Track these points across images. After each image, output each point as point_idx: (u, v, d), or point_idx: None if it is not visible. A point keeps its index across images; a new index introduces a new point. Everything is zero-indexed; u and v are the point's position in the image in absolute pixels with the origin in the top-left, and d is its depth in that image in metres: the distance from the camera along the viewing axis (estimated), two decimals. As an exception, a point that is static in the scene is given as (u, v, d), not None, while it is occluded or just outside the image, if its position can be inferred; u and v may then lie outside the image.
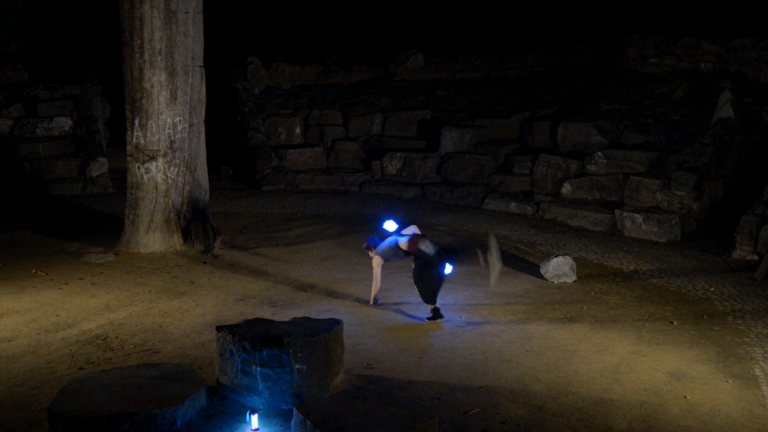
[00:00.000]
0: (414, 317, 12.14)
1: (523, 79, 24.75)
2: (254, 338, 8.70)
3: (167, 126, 14.94)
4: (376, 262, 12.33)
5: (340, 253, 15.53)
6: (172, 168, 15.07)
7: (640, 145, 19.87)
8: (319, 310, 12.17)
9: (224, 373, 8.94)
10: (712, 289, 13.89)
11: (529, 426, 8.69)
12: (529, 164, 20.62)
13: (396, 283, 13.62)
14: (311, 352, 8.75)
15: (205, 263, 14.69)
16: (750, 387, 9.90)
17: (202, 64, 15.29)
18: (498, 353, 10.68)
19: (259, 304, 12.50)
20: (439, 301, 12.43)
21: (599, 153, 19.60)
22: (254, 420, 8.20)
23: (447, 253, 12.07)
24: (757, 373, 10.33)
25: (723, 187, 18.39)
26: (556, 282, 14.01)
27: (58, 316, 11.78)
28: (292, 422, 7.92)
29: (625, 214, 17.74)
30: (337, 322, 9.42)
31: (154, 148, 14.96)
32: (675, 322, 12.15)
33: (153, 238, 15.17)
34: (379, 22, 28.93)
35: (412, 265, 12.18)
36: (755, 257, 15.48)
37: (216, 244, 15.49)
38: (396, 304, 12.70)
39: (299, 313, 11.52)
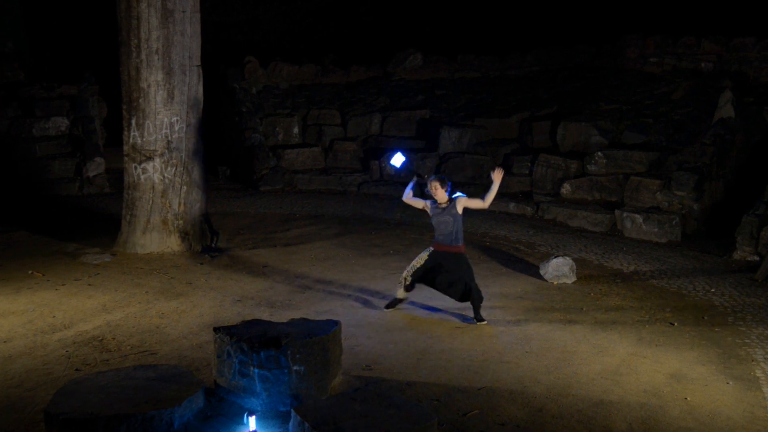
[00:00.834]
0: (418, 307, 12.13)
1: (523, 78, 24.73)
2: (252, 339, 8.65)
3: (164, 126, 14.90)
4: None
5: (339, 253, 15.49)
6: (169, 168, 15.03)
7: (640, 145, 19.85)
8: (317, 311, 12.12)
9: (222, 374, 8.89)
10: (712, 290, 13.84)
11: (528, 428, 8.64)
12: (529, 164, 20.59)
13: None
14: (309, 354, 8.71)
15: (202, 264, 14.65)
16: (751, 388, 9.85)
17: (199, 63, 15.25)
18: (497, 354, 10.64)
19: (256, 305, 12.45)
20: (439, 302, 12.53)
21: (599, 153, 19.56)
22: (252, 422, 8.14)
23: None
24: (758, 375, 10.27)
25: (724, 187, 18.36)
26: (555, 283, 13.95)
27: (54, 317, 11.74)
28: (290, 424, 7.88)
29: (625, 214, 17.69)
30: (336, 323, 9.35)
31: (151, 148, 14.92)
32: (675, 324, 12.09)
33: (150, 239, 15.13)
34: (378, 22, 28.91)
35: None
36: (756, 258, 15.43)
37: (213, 245, 15.45)
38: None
39: (297, 314, 11.46)
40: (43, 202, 19.77)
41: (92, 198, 20.49)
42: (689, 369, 10.37)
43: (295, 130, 23.65)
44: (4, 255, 14.99)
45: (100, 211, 18.96)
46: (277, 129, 23.47)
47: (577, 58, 24.74)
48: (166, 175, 15.02)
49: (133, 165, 15.05)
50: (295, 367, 8.61)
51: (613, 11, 26.04)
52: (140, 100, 14.80)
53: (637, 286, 14.03)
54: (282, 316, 11.39)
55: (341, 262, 14.91)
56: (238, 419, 8.37)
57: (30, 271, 13.88)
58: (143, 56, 14.65)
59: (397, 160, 12.77)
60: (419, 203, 12.19)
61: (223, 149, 23.84)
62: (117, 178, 19.34)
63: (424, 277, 12.09)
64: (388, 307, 12.37)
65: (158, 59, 14.68)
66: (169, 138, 14.96)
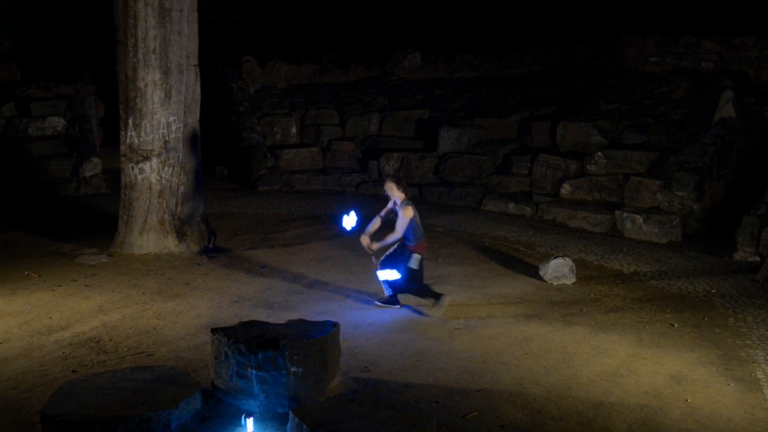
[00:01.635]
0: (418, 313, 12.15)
1: (522, 78, 24.71)
2: (249, 341, 8.65)
3: (161, 126, 14.85)
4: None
5: (337, 254, 15.45)
6: (166, 168, 14.98)
7: (640, 145, 19.83)
8: (316, 312, 12.09)
9: (219, 376, 8.90)
10: (713, 290, 13.83)
11: (527, 429, 8.63)
12: (528, 164, 20.55)
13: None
14: (307, 355, 8.70)
15: (199, 265, 14.61)
16: (752, 390, 9.85)
17: (196, 62, 15.22)
18: (496, 356, 10.63)
19: (254, 306, 12.43)
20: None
21: (599, 153, 19.54)
22: (250, 423, 8.16)
23: None
24: (759, 376, 10.27)
25: (724, 187, 18.34)
26: (555, 284, 13.93)
27: (50, 318, 11.71)
28: (288, 426, 7.89)
29: (625, 214, 17.66)
30: (334, 325, 9.35)
31: (148, 148, 14.87)
32: (676, 325, 12.08)
33: (147, 239, 15.08)
34: (376, 21, 28.89)
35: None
36: (757, 259, 15.41)
37: (211, 246, 15.42)
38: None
39: (295, 316, 11.38)
40: (39, 203, 19.71)
41: (89, 198, 20.43)
42: (690, 370, 10.36)
43: (293, 130, 23.60)
44: (0, 256, 14.94)
45: (96, 211, 18.90)
46: (275, 129, 23.42)
47: (577, 57, 24.73)
48: (163, 175, 14.97)
49: (130, 165, 15.01)
50: (293, 369, 8.61)
51: (613, 10, 26.03)
52: (137, 100, 14.77)
53: (637, 287, 14.02)
54: (280, 317, 11.33)
55: (339, 263, 14.87)
56: (235, 421, 8.36)
57: (26, 272, 13.84)
58: (140, 55, 14.60)
59: (349, 222, 12.87)
60: (406, 220, 12.34)
61: (220, 149, 23.81)
62: (114, 178, 19.33)
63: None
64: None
65: (155, 59, 14.63)
66: (167, 138, 14.91)
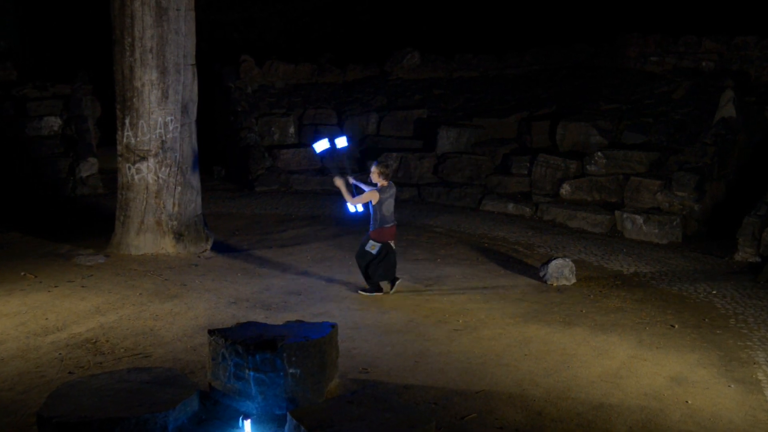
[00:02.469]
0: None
1: (521, 77, 24.66)
2: (247, 342, 8.63)
3: (158, 125, 14.82)
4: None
5: (335, 255, 15.42)
6: (163, 168, 14.94)
7: (640, 145, 19.80)
8: (314, 313, 12.08)
9: (216, 377, 8.86)
10: (713, 291, 13.81)
11: (527, 431, 8.62)
12: (528, 164, 20.50)
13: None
14: (305, 356, 8.68)
15: (197, 265, 14.59)
16: (753, 391, 9.84)
17: (194, 62, 15.18)
18: (496, 357, 10.62)
19: (252, 307, 12.42)
20: (438, 305, 12.61)
21: (599, 153, 19.50)
22: (247, 425, 8.16)
23: None
24: (759, 378, 10.26)
25: (725, 187, 18.31)
26: (555, 284, 13.90)
27: (47, 319, 11.69)
28: (286, 427, 7.87)
29: (625, 215, 17.63)
30: (332, 326, 9.32)
31: (145, 148, 14.84)
32: (676, 326, 12.06)
33: (144, 240, 15.06)
34: (375, 21, 28.86)
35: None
36: (758, 259, 15.40)
37: (208, 246, 15.38)
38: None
39: (293, 317, 11.40)
40: (35, 203, 19.67)
41: (86, 198, 20.39)
42: (690, 372, 10.36)
43: (291, 129, 23.55)
44: (-4, 256, 14.95)
45: (93, 211, 18.87)
46: (273, 129, 23.37)
47: (577, 57, 24.67)
48: (160, 175, 14.94)
49: (127, 165, 14.98)
50: (291, 370, 8.59)
51: (613, 10, 25.98)
52: (134, 100, 14.74)
53: (638, 287, 14.00)
54: (278, 318, 11.36)
55: (338, 264, 14.85)
56: (233, 423, 8.36)
57: (22, 273, 13.83)
58: (137, 55, 14.58)
59: (320, 146, 13.54)
60: (365, 198, 12.99)
61: (218, 149, 23.76)
62: (110, 178, 19.23)
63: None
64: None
65: (152, 58, 14.60)
66: (164, 138, 14.88)
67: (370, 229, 12.97)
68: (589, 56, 24.50)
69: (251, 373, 8.56)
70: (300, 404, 8.52)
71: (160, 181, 14.96)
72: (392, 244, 13.11)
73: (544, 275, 14.04)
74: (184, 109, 15.08)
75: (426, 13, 28.69)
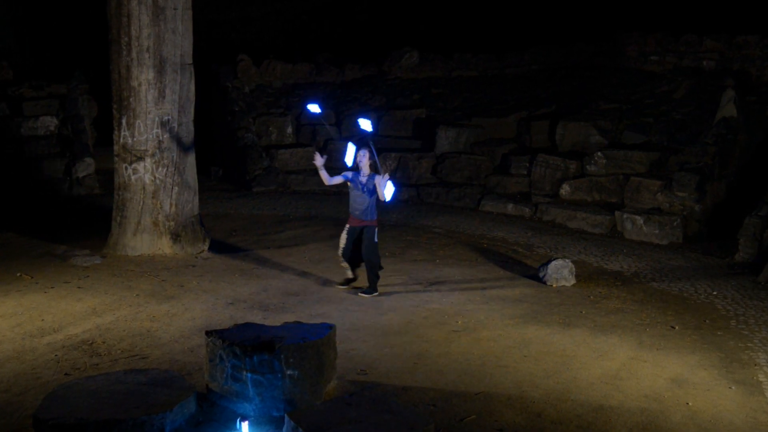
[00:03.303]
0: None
1: (520, 77, 24.64)
2: (245, 343, 8.64)
3: (155, 125, 14.79)
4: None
5: (334, 255, 15.32)
6: (160, 168, 14.91)
7: (640, 145, 19.77)
8: (312, 314, 12.03)
9: (214, 379, 8.88)
10: (714, 292, 13.79)
11: (527, 434, 8.60)
12: (527, 164, 20.47)
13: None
14: (303, 358, 8.70)
15: (194, 266, 14.54)
16: (754, 393, 9.82)
17: (191, 61, 15.15)
18: (495, 359, 10.59)
19: (249, 308, 12.38)
20: (437, 306, 12.58)
21: (599, 153, 19.47)
22: (245, 427, 8.17)
23: None
24: (761, 379, 10.24)
25: (726, 187, 18.30)
26: (554, 285, 13.87)
27: (43, 320, 11.66)
28: (284, 429, 7.89)
29: (625, 215, 17.61)
30: (330, 327, 9.36)
31: (142, 148, 14.81)
32: (676, 327, 12.04)
33: (141, 241, 15.02)
34: (373, 20, 28.85)
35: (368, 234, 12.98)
36: (759, 260, 15.31)
37: (205, 247, 15.34)
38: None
39: (291, 318, 11.40)
40: (31, 203, 19.64)
41: (82, 199, 20.37)
42: (691, 373, 10.33)
43: (289, 129, 23.52)
44: (-8, 257, 14.93)
45: (89, 212, 18.86)
46: (271, 128, 23.34)
47: (576, 56, 24.66)
48: (157, 175, 14.91)
49: (124, 165, 14.95)
50: (288, 372, 8.61)
51: (613, 8, 25.93)
52: (131, 99, 14.71)
53: (638, 288, 13.98)
54: (275, 320, 11.35)
55: (336, 265, 14.75)
56: (230, 425, 8.36)
57: (18, 274, 13.79)
58: (134, 54, 14.55)
59: (314, 108, 13.62)
60: (339, 180, 13.24)
61: (215, 149, 23.75)
62: (107, 178, 19.30)
63: (352, 256, 13.10)
64: (341, 285, 13.38)
65: (149, 57, 14.58)
66: (161, 138, 14.85)
67: (373, 218, 12.94)
68: (589, 56, 24.48)
69: (249, 375, 8.57)
70: (298, 406, 8.52)
71: (157, 181, 14.92)
72: None
73: (544, 276, 14.00)
74: (182, 109, 15.04)
75: (424, 12, 28.68)
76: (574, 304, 12.98)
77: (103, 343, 10.84)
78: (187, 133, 15.22)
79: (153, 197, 14.94)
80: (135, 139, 14.79)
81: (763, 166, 18.28)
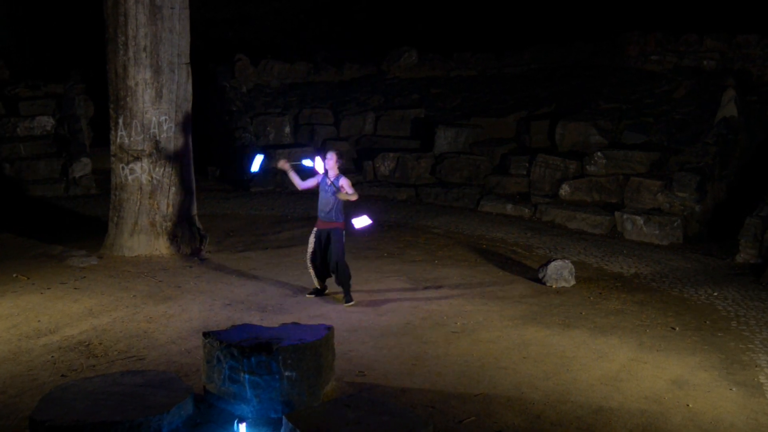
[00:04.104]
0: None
1: (520, 76, 24.59)
2: (242, 345, 8.66)
3: (152, 125, 14.81)
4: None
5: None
6: (157, 168, 14.92)
7: (640, 145, 19.72)
8: (310, 315, 12.01)
9: (211, 380, 8.89)
10: (715, 293, 13.75)
11: (526, 435, 8.60)
12: (527, 165, 20.41)
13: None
14: (301, 359, 8.70)
15: (191, 267, 14.54)
16: (754, 395, 9.80)
17: (188, 61, 15.16)
18: (494, 360, 10.58)
19: (247, 309, 12.37)
20: (436, 307, 12.56)
21: (599, 153, 19.41)
22: (242, 429, 8.24)
23: None
24: (761, 381, 10.22)
25: (726, 188, 18.28)
26: (554, 286, 13.82)
27: (39, 321, 11.66)
28: (281, 431, 7.88)
29: (625, 216, 17.57)
30: (328, 328, 9.38)
31: (139, 148, 14.82)
32: (677, 328, 12.00)
33: (138, 241, 15.02)
34: (371, 19, 28.81)
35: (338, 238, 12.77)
36: (760, 261, 15.33)
37: (203, 247, 15.33)
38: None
39: (289, 319, 11.31)
40: (27, 204, 19.66)
41: (78, 199, 20.32)
42: (691, 375, 10.32)
43: (287, 129, 23.46)
44: (-12, 257, 14.90)
45: (86, 212, 18.84)
46: (268, 128, 23.29)
47: (576, 55, 24.58)
48: (154, 175, 14.92)
49: (121, 165, 14.96)
50: (286, 373, 8.62)
51: (613, 7, 25.88)
52: (128, 99, 14.72)
53: (638, 289, 13.95)
54: (273, 321, 11.32)
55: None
56: (228, 426, 8.39)
57: (15, 274, 13.78)
58: (131, 54, 14.56)
59: (255, 164, 13.35)
60: (312, 182, 12.91)
61: (212, 149, 23.64)
62: (104, 178, 19.29)
63: (321, 260, 12.84)
64: (310, 294, 13.01)
65: (146, 57, 14.59)
66: (158, 138, 14.87)
67: (339, 220, 12.73)
68: (589, 55, 24.41)
69: (246, 376, 8.58)
70: (296, 407, 8.54)
71: (154, 181, 14.93)
72: None
73: (543, 277, 13.96)
74: (178, 109, 15.05)
75: (423, 11, 28.62)
76: (573, 305, 12.94)
77: (100, 344, 10.83)
78: (184, 133, 15.20)
79: (150, 197, 14.94)
80: (132, 139, 14.80)
81: (764, 166, 18.26)
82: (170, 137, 14.95)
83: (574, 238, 17.34)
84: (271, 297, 12.98)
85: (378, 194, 21.17)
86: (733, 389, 9.89)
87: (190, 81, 15.28)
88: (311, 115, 23.66)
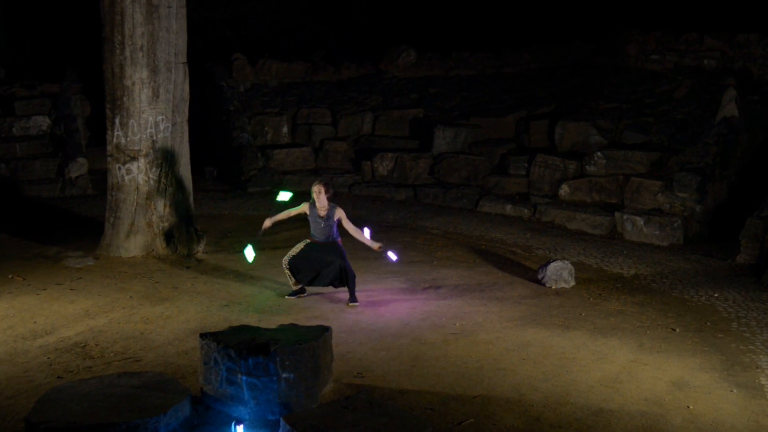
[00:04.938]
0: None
1: (519, 76, 24.56)
2: (240, 346, 8.66)
3: (149, 125, 14.77)
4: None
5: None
6: (154, 169, 14.89)
7: (640, 145, 19.66)
8: (307, 316, 12.00)
9: (208, 382, 8.89)
10: (715, 294, 13.68)
11: (526, 438, 8.58)
12: (526, 165, 20.36)
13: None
14: (299, 361, 8.70)
15: (188, 268, 14.52)
16: (755, 396, 9.76)
17: (185, 60, 15.14)
18: (493, 361, 10.55)
19: (244, 310, 12.35)
20: (435, 308, 12.52)
21: (598, 153, 19.36)
22: (240, 431, 8.20)
23: None
24: (762, 382, 10.17)
25: (727, 188, 18.23)
26: (553, 287, 13.77)
27: (35, 322, 11.64)
28: None
29: (625, 216, 17.50)
30: (326, 329, 9.41)
31: (136, 148, 14.78)
32: (677, 329, 11.95)
33: (134, 242, 14.98)
34: (370, 18, 28.79)
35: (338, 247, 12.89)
36: (761, 261, 15.18)
37: (200, 248, 15.28)
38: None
39: (286, 320, 11.34)
40: (23, 204, 19.63)
41: (74, 199, 20.30)
42: (692, 376, 10.29)
43: (285, 129, 23.42)
44: (-16, 259, 14.90)
45: (82, 213, 18.81)
46: (266, 128, 23.24)
47: (576, 54, 24.54)
48: (150, 176, 14.90)
49: (117, 165, 14.92)
50: (284, 375, 8.62)
51: (613, 6, 25.86)
52: (124, 99, 14.68)
53: (638, 290, 13.90)
54: (271, 322, 11.29)
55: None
56: (225, 428, 8.39)
57: (10, 275, 13.74)
58: (127, 53, 14.52)
59: (249, 254, 13.55)
60: (294, 211, 13.24)
61: (209, 149, 23.59)
62: (100, 179, 19.11)
63: (300, 267, 12.78)
64: (290, 295, 12.93)
65: (143, 56, 14.55)
66: (154, 138, 14.84)
67: (337, 238, 12.93)
68: (589, 54, 24.37)
69: (244, 378, 8.57)
70: (293, 409, 8.56)
71: (151, 181, 14.91)
72: None
73: (543, 278, 13.91)
74: (176, 109, 15.03)
75: (422, 9, 28.59)
76: (573, 306, 12.89)
77: (96, 345, 10.82)
78: (182, 133, 15.20)
79: (147, 198, 14.92)
80: (128, 139, 14.76)
81: (765, 166, 18.21)
82: (167, 137, 14.92)
83: (574, 238, 17.28)
84: (268, 298, 12.95)
85: (376, 194, 21.13)
86: (734, 391, 9.84)
87: (187, 80, 15.25)
88: (309, 115, 23.60)
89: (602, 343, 11.25)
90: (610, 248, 16.53)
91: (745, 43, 21.59)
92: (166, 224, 15.07)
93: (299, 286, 12.88)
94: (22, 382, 9.58)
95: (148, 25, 14.44)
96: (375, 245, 12.82)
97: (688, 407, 9.35)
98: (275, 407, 8.57)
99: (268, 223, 13.09)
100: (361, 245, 13.19)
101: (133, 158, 14.76)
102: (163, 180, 14.95)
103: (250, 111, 23.37)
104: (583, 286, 13.93)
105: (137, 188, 14.85)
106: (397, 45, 25.33)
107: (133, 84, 14.58)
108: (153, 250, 15.01)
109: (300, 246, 12.85)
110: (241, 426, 8.21)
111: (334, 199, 13.00)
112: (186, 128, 15.32)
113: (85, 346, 10.77)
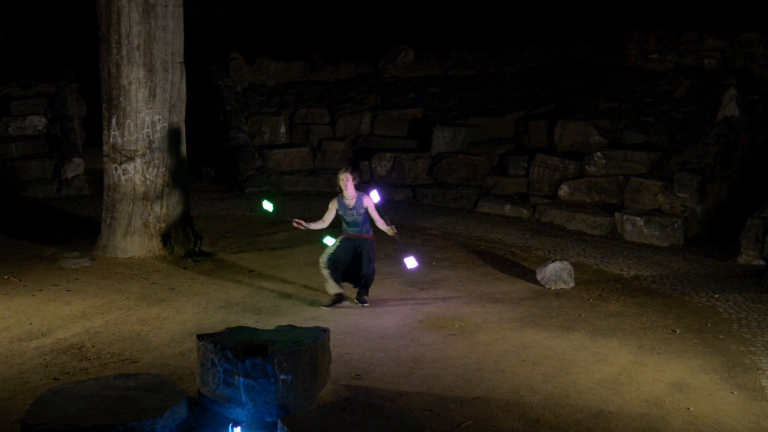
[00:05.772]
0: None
1: (518, 75, 24.55)
2: (237, 347, 8.62)
3: (146, 125, 14.76)
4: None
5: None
6: (150, 169, 14.88)
7: (641, 145, 19.66)
8: (305, 317, 11.99)
9: (206, 383, 8.86)
10: (716, 295, 13.66)
11: (525, 439, 8.57)
12: (525, 165, 20.36)
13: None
14: (297, 362, 8.67)
15: (185, 269, 14.50)
16: (756, 398, 9.74)
17: (182, 60, 15.12)
18: (492, 363, 10.53)
19: (242, 311, 12.34)
20: (433, 309, 12.53)
21: (598, 153, 19.35)
22: None
23: None
24: (763, 384, 10.16)
25: (728, 188, 18.23)
26: (553, 288, 13.77)
27: (31, 324, 11.63)
28: None
29: (625, 217, 17.50)
30: (324, 331, 9.35)
31: (132, 148, 14.76)
32: (677, 331, 11.93)
33: (131, 243, 14.96)
34: (368, 17, 28.77)
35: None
36: (762, 262, 15.28)
37: (197, 249, 15.27)
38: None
39: (284, 321, 11.24)
40: (19, 204, 19.62)
41: (71, 200, 20.31)
42: (692, 378, 10.27)
43: (282, 129, 23.42)
44: (-21, 260, 14.89)
45: (78, 213, 18.82)
46: (264, 128, 23.24)
47: (576, 54, 24.52)
48: (147, 176, 14.88)
49: (114, 166, 14.91)
50: (282, 376, 8.59)
51: (613, 5, 25.88)
52: (121, 99, 14.68)
53: (638, 291, 13.89)
54: (268, 323, 11.24)
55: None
56: (222, 430, 8.39)
57: (6, 276, 13.73)
58: (124, 52, 14.52)
59: (268, 206, 13.70)
60: (332, 215, 12.87)
61: (206, 149, 23.63)
62: (97, 179, 19.28)
63: (349, 267, 12.62)
64: (329, 305, 12.59)
65: (139, 56, 14.55)
66: (151, 138, 14.83)
67: (369, 232, 12.75)
68: (589, 53, 24.34)
69: (241, 380, 8.54)
70: (291, 411, 8.53)
71: (148, 182, 14.89)
72: None
73: (542, 279, 13.91)
74: (173, 108, 15.03)
75: (421, 9, 28.56)
76: (573, 307, 12.88)
77: (93, 347, 10.80)
78: (178, 132, 15.19)
79: (143, 198, 14.91)
80: (125, 139, 14.75)
81: (766, 167, 18.26)
82: (164, 137, 14.91)
83: (574, 239, 17.27)
84: (266, 299, 12.94)
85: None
86: (735, 392, 9.83)
87: (184, 80, 15.24)
88: (307, 115, 23.59)
89: (602, 344, 11.23)
90: (609, 249, 16.52)
91: (745, 42, 21.56)
92: (163, 225, 15.06)
93: (338, 292, 12.57)
94: (18, 384, 9.54)
95: (144, 24, 14.42)
96: (390, 231, 12.68)
97: (689, 409, 9.32)
98: (273, 409, 8.53)
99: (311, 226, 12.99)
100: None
101: (130, 158, 14.74)
102: (159, 180, 14.93)
103: (248, 111, 23.38)
104: (582, 287, 13.92)
105: (134, 189, 14.82)
106: (396, 44, 25.32)
107: (130, 84, 14.58)
108: (150, 250, 14.99)
109: (335, 244, 12.61)
110: (239, 428, 8.21)
111: (360, 187, 12.75)
112: (183, 128, 15.29)
113: (81, 347, 10.75)
